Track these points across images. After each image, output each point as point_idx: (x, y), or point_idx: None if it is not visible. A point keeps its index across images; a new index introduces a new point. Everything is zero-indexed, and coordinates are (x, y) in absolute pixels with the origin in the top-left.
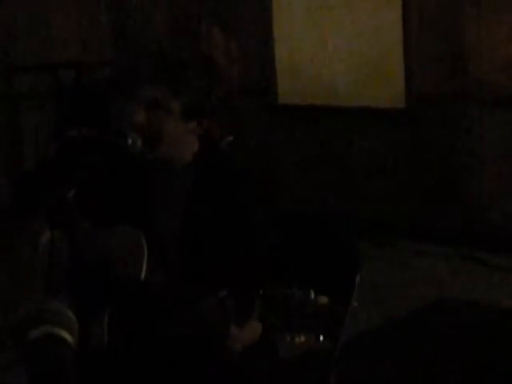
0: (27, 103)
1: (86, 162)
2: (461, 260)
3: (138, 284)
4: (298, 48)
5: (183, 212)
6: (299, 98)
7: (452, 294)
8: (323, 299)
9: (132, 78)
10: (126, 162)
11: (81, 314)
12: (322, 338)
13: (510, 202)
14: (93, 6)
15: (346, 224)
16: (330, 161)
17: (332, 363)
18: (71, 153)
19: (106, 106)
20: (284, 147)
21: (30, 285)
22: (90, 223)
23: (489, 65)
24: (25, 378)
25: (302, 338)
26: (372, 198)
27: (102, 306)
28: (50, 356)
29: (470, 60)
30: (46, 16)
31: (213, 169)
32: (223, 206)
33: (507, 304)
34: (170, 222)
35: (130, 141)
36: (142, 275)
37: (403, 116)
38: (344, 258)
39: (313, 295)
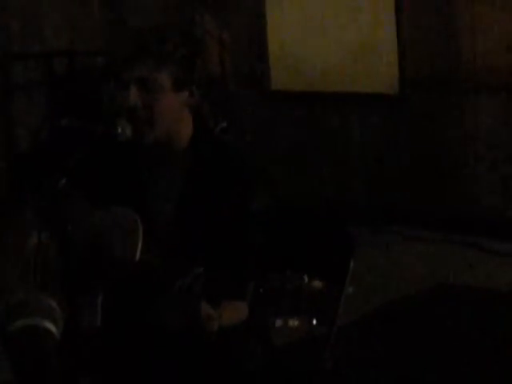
0: (19, 92)
1: (76, 150)
2: (457, 245)
3: (133, 264)
4: (290, 34)
5: (178, 196)
6: (292, 84)
7: (448, 279)
8: (317, 283)
9: (119, 62)
10: (117, 149)
11: (73, 296)
12: (315, 321)
13: (504, 186)
14: None
15: (340, 210)
16: (324, 146)
17: (328, 348)
18: (62, 142)
19: (98, 94)
20: (277, 133)
21: (15, 275)
22: (86, 204)
23: (483, 51)
24: (7, 370)
25: (296, 322)
26: (365, 184)
27: (96, 287)
28: (34, 347)
29: (463, 46)
30: (37, 4)
31: (208, 154)
32: (218, 191)
33: (504, 289)
34: (164, 206)
35: (119, 129)
36: (137, 256)
37: (396, 102)
38: (338, 244)
39: (306, 279)
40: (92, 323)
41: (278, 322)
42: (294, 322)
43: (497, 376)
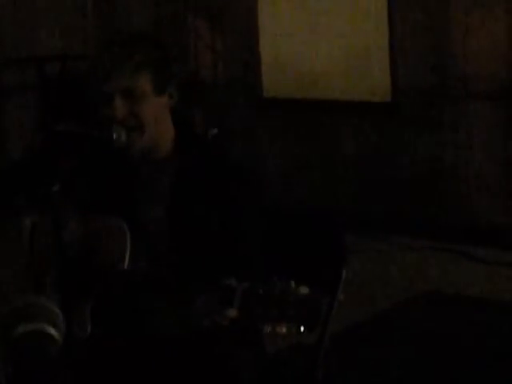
0: (12, 96)
1: (70, 156)
2: (446, 253)
3: (120, 272)
4: (283, 41)
5: (168, 201)
6: (285, 91)
7: (438, 287)
8: (304, 289)
9: (101, 73)
10: (111, 155)
11: (63, 303)
12: (302, 328)
13: (495, 195)
14: None
15: (333, 218)
16: (316, 154)
17: (319, 357)
18: (56, 147)
19: (91, 99)
20: (269, 140)
21: (14, 278)
22: (74, 211)
23: (475, 59)
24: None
25: (283, 329)
26: (358, 192)
27: (84, 295)
28: (36, 352)
29: (455, 54)
30: (30, 8)
31: (197, 159)
32: (208, 193)
33: (494, 298)
34: (154, 212)
35: (114, 134)
36: (126, 264)
37: (389, 110)
38: (330, 252)
39: (293, 285)
40: (82, 330)
41: (266, 329)
42: (281, 329)
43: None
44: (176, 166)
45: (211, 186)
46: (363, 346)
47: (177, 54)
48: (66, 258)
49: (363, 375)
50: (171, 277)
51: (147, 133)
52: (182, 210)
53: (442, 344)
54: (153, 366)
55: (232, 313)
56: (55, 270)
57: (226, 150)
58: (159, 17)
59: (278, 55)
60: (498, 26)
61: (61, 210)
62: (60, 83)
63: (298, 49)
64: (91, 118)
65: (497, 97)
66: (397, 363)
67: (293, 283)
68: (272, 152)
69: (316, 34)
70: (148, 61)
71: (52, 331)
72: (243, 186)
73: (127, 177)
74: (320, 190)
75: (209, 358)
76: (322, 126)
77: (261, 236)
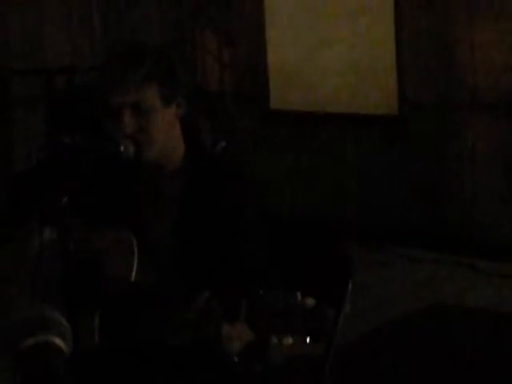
0: (19, 108)
1: (78, 169)
2: (451, 265)
3: (128, 285)
4: (290, 54)
5: (176, 215)
6: (291, 103)
7: (443, 299)
8: (310, 301)
9: (108, 88)
10: (118, 168)
11: (70, 315)
12: (308, 340)
13: (499, 208)
14: (84, 8)
15: (339, 230)
16: (323, 167)
17: (325, 369)
18: (63, 160)
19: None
20: (276, 153)
21: (21, 289)
22: (81, 223)
23: (482, 72)
24: None
25: (289, 340)
26: (364, 204)
27: (92, 307)
28: (45, 364)
29: (462, 67)
30: (37, 20)
31: (204, 173)
32: (216, 207)
33: (501, 311)
34: (161, 224)
35: (122, 148)
36: (133, 276)
37: (396, 123)
38: (337, 264)
39: (299, 297)
40: (89, 342)
41: (272, 340)
42: (288, 340)
43: None
44: (185, 180)
45: (219, 201)
46: (369, 358)
47: (183, 65)
48: (73, 270)
49: None
50: (176, 290)
51: (156, 146)
52: (190, 224)
53: (446, 356)
54: (158, 376)
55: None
56: (62, 282)
57: (231, 163)
58: (166, 29)
59: (285, 67)
60: (506, 38)
61: (68, 222)
62: (68, 95)
63: (305, 61)
64: (98, 131)
65: (504, 109)
66: (402, 375)
67: (299, 295)
68: (278, 164)
69: (324, 46)
70: (155, 72)
71: (60, 343)
72: (250, 201)
73: (136, 189)
74: (326, 202)
75: (213, 368)
76: (328, 138)
77: (266, 249)
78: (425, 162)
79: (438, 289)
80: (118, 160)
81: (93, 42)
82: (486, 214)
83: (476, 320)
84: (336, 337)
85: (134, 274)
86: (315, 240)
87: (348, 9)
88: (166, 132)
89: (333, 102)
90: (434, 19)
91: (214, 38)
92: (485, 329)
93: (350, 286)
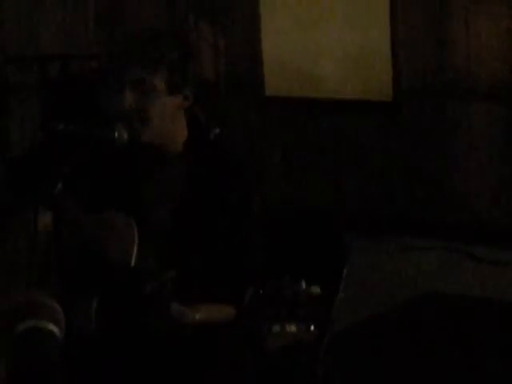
0: (14, 95)
1: (72, 155)
2: (448, 253)
3: (127, 270)
4: (285, 40)
5: (175, 200)
6: (286, 90)
7: (440, 287)
8: (315, 289)
9: (114, 65)
10: (113, 154)
11: (67, 300)
12: (312, 328)
13: (496, 194)
14: None
15: (332, 216)
16: (317, 153)
17: (320, 354)
18: (57, 146)
19: (93, 98)
20: (271, 139)
21: (15, 275)
22: (80, 209)
23: (477, 59)
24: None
25: (293, 328)
26: (359, 191)
27: (90, 292)
28: (37, 350)
29: (457, 54)
30: (33, 7)
31: (204, 158)
32: (216, 194)
33: (497, 298)
34: (161, 210)
35: (116, 133)
36: (133, 261)
37: (390, 109)
38: (332, 251)
39: (304, 285)
40: (86, 327)
41: (276, 328)
42: (291, 328)
43: None
44: (184, 166)
45: (215, 186)
46: (365, 345)
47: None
48: (72, 255)
49: (363, 373)
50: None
51: (153, 129)
52: (190, 209)
53: (444, 344)
54: (154, 363)
55: None
56: (57, 266)
57: (228, 150)
58: (161, 17)
59: (281, 54)
60: (501, 24)
61: (63, 208)
62: (62, 82)
63: (301, 47)
64: (93, 117)
65: (500, 96)
66: (398, 363)
67: (303, 283)
68: (273, 151)
69: (318, 32)
70: (167, 57)
71: (53, 328)
72: (244, 187)
73: (134, 175)
74: (322, 189)
75: (209, 356)
76: (323, 124)
77: (261, 238)
78: (420, 148)
79: (436, 276)
80: (112, 146)
81: (87, 29)
82: (484, 201)
83: (475, 308)
84: (330, 322)
85: (133, 259)
86: (311, 227)
87: None
88: (166, 120)
89: (328, 88)
90: (430, 5)
91: (209, 26)
92: (484, 317)
93: (345, 272)
